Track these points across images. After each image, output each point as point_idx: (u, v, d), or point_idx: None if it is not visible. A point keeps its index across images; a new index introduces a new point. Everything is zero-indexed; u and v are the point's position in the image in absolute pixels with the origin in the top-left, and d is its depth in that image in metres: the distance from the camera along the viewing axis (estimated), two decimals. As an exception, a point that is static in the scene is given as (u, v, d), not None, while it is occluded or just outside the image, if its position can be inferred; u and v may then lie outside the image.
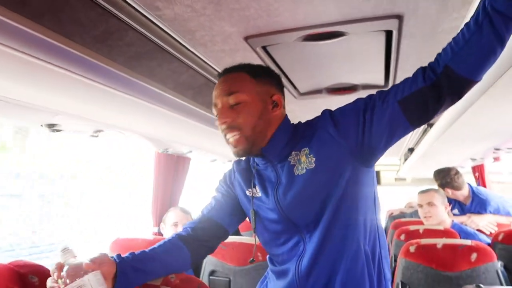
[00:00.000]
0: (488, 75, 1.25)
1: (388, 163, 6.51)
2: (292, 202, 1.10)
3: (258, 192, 1.18)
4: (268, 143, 1.12)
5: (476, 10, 0.88)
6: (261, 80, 1.14)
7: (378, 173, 6.69)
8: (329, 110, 1.13)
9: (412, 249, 1.68)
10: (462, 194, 2.95)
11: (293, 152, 1.12)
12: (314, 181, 1.07)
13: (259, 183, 1.19)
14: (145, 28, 1.21)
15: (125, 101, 1.38)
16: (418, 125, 1.04)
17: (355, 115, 1.06)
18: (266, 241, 1.20)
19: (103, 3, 1.04)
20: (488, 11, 0.84)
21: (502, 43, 0.87)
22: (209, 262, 1.84)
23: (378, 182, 6.76)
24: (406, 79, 1.02)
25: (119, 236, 1.90)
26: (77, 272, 0.91)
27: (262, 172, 1.20)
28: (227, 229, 1.25)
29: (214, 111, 1.14)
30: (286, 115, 1.19)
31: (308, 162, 1.09)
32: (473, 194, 2.94)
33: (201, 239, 1.20)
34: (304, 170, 1.09)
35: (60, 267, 0.94)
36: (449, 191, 2.91)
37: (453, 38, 0.93)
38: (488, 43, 0.86)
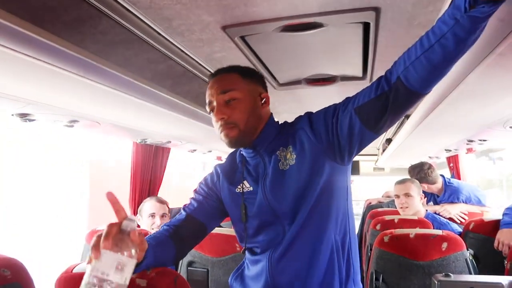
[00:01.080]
0: (458, 72, 1.27)
1: (367, 153, 6.61)
2: (276, 194, 1.17)
3: (249, 186, 1.25)
4: (258, 136, 1.21)
5: (431, 28, 0.91)
6: (250, 80, 1.23)
7: (357, 162, 6.79)
8: (309, 113, 1.23)
9: (386, 239, 1.72)
10: (437, 187, 3.05)
11: (281, 148, 1.21)
12: (295, 176, 1.16)
13: (248, 175, 1.26)
14: (119, 16, 1.18)
15: (100, 92, 1.34)
16: (379, 130, 1.09)
17: (325, 120, 1.15)
18: (249, 232, 1.25)
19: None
20: (447, 31, 0.85)
21: (452, 62, 0.91)
22: (187, 253, 1.84)
23: (357, 171, 6.86)
24: (368, 87, 1.08)
25: (95, 227, 1.87)
26: (123, 244, 0.85)
27: (250, 164, 1.27)
28: (208, 229, 1.30)
29: (208, 108, 1.21)
30: (271, 113, 1.29)
31: (291, 159, 1.18)
32: (445, 185, 3.04)
33: (184, 239, 1.23)
34: (288, 166, 1.18)
35: (112, 231, 0.85)
36: (425, 186, 3.00)
37: (408, 49, 0.97)
38: (439, 62, 0.90)
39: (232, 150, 1.35)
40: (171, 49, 1.49)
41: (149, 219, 2.31)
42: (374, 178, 7.63)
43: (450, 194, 3.01)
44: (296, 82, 2.11)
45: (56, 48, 1.05)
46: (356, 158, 6.99)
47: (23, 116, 1.49)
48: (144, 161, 2.63)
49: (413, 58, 0.93)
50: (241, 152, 1.32)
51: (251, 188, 1.24)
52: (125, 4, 1.14)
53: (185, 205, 1.33)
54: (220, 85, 1.19)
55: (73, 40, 1.16)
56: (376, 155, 6.55)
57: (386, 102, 1.01)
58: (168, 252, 1.17)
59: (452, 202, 2.97)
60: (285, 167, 1.18)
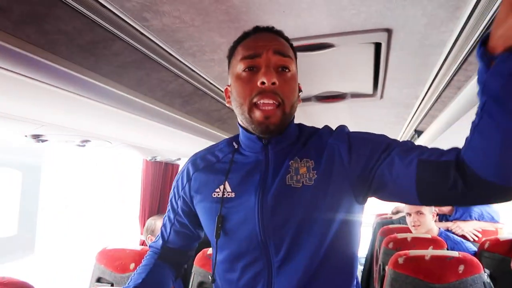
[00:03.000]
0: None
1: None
2: (276, 213, 0.89)
3: (231, 191, 0.95)
4: (282, 132, 0.94)
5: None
6: (296, 62, 0.98)
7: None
8: (347, 129, 0.98)
9: (400, 260, 1.68)
10: (447, 207, 3.01)
11: (295, 157, 0.94)
12: (308, 200, 0.89)
13: (233, 176, 0.97)
14: (132, 38, 1.19)
15: (112, 113, 1.35)
16: (425, 200, 0.82)
17: (372, 149, 0.89)
18: (224, 258, 0.98)
19: (88, 13, 1.02)
20: (484, 97, 0.66)
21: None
22: (198, 274, 1.81)
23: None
24: (437, 149, 0.82)
25: (105, 246, 1.86)
26: None
27: (244, 166, 0.98)
28: (191, 251, 1.17)
29: (243, 64, 0.91)
30: None
31: (307, 177, 0.90)
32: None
33: (172, 263, 1.14)
34: (300, 184, 0.90)
35: None
36: (436, 208, 2.96)
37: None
38: (498, 135, 0.65)
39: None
40: (182, 68, 1.49)
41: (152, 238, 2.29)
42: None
43: (462, 212, 2.95)
44: (306, 99, 2.11)
45: (69, 73, 1.06)
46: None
47: (36, 137, 1.50)
48: (154, 178, 2.63)
49: (469, 137, 0.72)
50: (234, 143, 1.03)
51: (232, 195, 0.94)
52: (138, 28, 1.16)
53: (163, 222, 1.16)
54: (277, 43, 0.91)
55: (87, 61, 1.17)
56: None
57: (459, 175, 0.74)
58: (168, 279, 1.09)
59: (464, 220, 2.92)
60: (295, 184, 0.89)
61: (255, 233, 0.90)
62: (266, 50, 0.89)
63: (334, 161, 0.92)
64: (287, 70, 0.91)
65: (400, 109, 2.41)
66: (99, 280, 1.79)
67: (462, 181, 0.73)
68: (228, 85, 1.00)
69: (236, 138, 1.05)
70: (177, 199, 1.08)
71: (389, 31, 1.24)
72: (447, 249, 2.17)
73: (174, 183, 1.11)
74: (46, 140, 1.56)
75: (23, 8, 0.92)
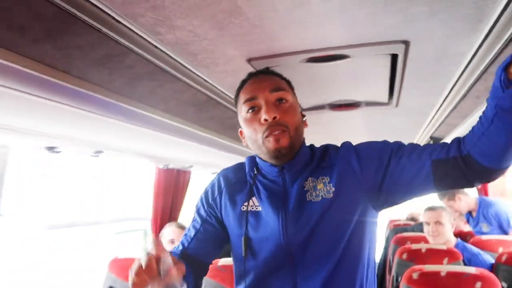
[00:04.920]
0: None
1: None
2: (300, 229, 0.97)
3: (258, 205, 1.04)
4: (295, 156, 1.02)
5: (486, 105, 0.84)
6: (294, 93, 1.09)
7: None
8: (351, 145, 1.06)
9: (415, 275, 1.64)
10: (472, 201, 3.05)
11: (309, 178, 1.02)
12: (330, 213, 0.97)
13: (261, 196, 1.04)
14: (146, 51, 1.19)
15: (125, 127, 1.35)
16: (441, 189, 0.97)
17: (379, 156, 0.99)
18: (249, 269, 1.04)
19: (102, 28, 1.02)
20: (496, 110, 0.79)
21: None
22: (209, 285, 1.80)
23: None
24: (440, 144, 0.94)
25: (117, 256, 1.87)
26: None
27: (267, 186, 1.06)
28: (208, 263, 1.15)
29: (247, 106, 1.01)
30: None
31: (325, 191, 0.99)
32: (479, 202, 3.08)
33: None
34: (320, 198, 0.98)
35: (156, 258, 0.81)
36: (460, 197, 3.00)
37: (473, 126, 0.88)
38: (504, 137, 0.80)
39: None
40: (195, 79, 1.49)
41: (168, 245, 2.30)
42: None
43: (483, 207, 3.02)
44: (320, 107, 2.09)
45: (82, 92, 1.07)
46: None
47: (50, 149, 1.51)
48: (166, 185, 2.63)
49: (478, 134, 0.85)
50: (256, 165, 1.10)
51: (259, 208, 1.03)
52: (152, 41, 1.15)
53: (185, 232, 1.16)
54: (270, 82, 1.02)
55: (100, 75, 1.17)
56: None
57: (460, 168, 0.89)
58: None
59: (484, 217, 2.97)
60: (314, 198, 0.98)
61: (279, 247, 0.98)
62: (262, 90, 1.01)
63: (347, 173, 1.01)
64: (284, 101, 1.01)
65: (415, 117, 2.37)
66: (111, 289, 1.79)
67: (470, 170, 0.87)
68: (241, 128, 1.08)
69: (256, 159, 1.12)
70: (206, 208, 1.13)
71: (406, 43, 1.21)
72: (463, 261, 2.12)
73: (202, 194, 1.17)
74: (60, 152, 1.58)
75: (41, 25, 0.92)
